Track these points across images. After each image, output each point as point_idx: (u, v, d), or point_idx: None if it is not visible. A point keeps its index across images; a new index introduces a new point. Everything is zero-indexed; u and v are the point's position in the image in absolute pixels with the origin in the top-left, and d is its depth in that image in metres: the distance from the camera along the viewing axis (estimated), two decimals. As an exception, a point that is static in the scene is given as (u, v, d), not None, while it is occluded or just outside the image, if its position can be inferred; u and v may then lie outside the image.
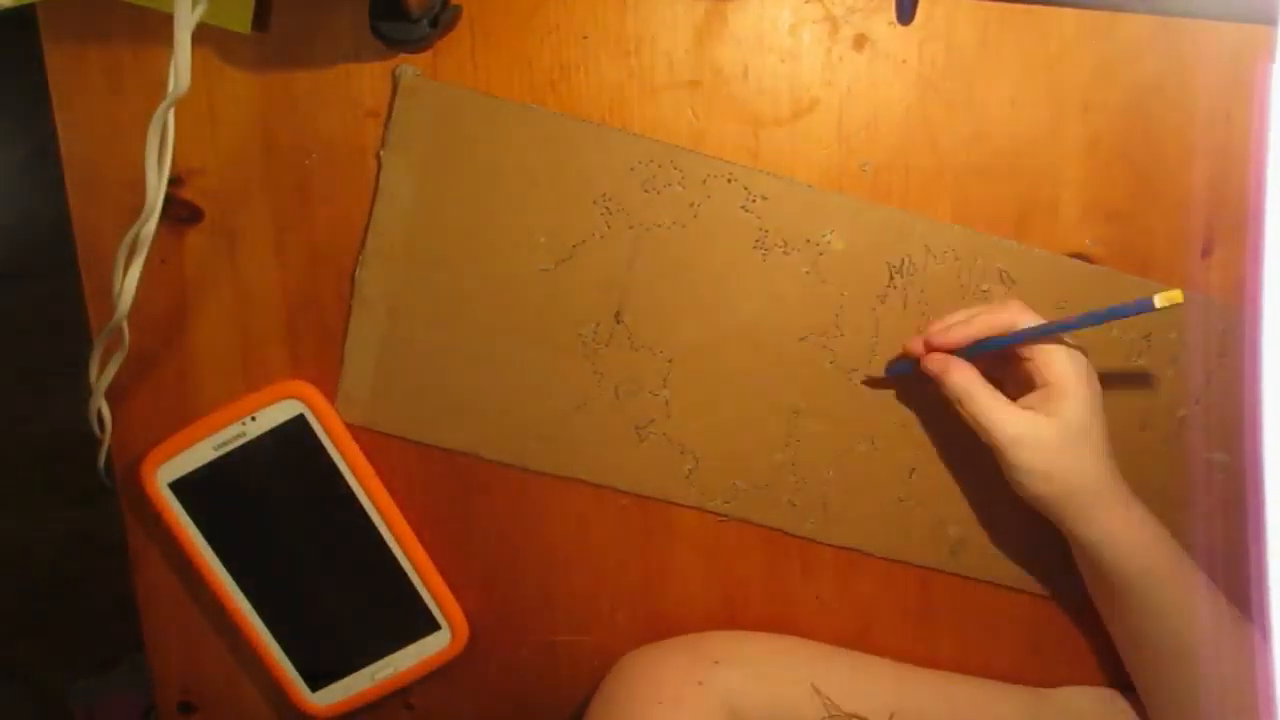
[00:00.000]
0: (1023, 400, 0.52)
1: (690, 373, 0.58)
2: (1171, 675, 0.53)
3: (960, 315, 0.54)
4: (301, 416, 0.57)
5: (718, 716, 0.52)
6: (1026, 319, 0.51)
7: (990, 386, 0.52)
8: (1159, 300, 0.46)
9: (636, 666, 0.58)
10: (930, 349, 0.54)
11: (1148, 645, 0.54)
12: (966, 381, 0.52)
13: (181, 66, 0.44)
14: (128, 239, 0.48)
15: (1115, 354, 0.58)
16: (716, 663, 0.56)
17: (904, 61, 0.55)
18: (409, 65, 0.55)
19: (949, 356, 0.53)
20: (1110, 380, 0.58)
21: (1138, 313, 0.47)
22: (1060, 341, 0.51)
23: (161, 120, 0.46)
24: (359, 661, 0.61)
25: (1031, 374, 0.52)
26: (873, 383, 0.58)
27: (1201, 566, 0.53)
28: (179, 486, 0.58)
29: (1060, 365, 0.51)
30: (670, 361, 0.58)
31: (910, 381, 0.58)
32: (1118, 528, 0.52)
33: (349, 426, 0.58)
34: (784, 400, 0.58)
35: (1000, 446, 0.51)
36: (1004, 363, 0.54)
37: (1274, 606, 0.33)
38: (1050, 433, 0.50)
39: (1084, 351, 0.52)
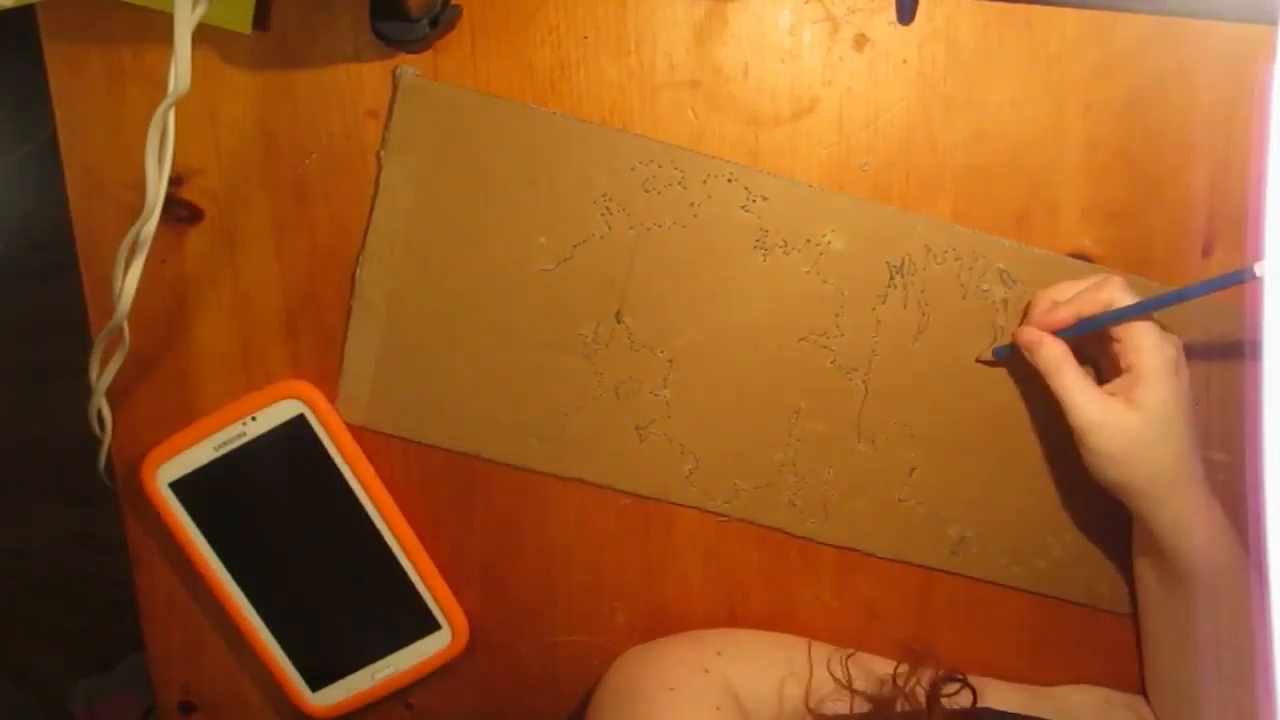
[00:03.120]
0: (1109, 385, 0.52)
1: (690, 373, 0.58)
2: (1217, 672, 0.52)
3: (1065, 290, 0.53)
4: (301, 416, 0.57)
5: (724, 703, 0.52)
6: (1124, 299, 0.51)
7: (1078, 367, 0.52)
8: (1258, 269, 0.44)
9: (640, 659, 0.58)
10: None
11: (1190, 639, 0.54)
12: (1056, 358, 0.52)
13: (181, 66, 0.44)
14: (128, 239, 0.48)
15: (1115, 354, 0.58)
16: (719, 654, 0.56)
17: (904, 61, 0.55)
18: (409, 65, 0.55)
19: (1042, 331, 0.53)
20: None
21: (1236, 283, 0.46)
22: (1152, 326, 0.50)
23: (161, 120, 0.46)
24: (359, 661, 0.61)
25: (1120, 357, 0.51)
26: (984, 363, 0.57)
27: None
28: (179, 486, 0.58)
29: (1148, 352, 0.50)
30: (670, 361, 0.58)
31: (911, 381, 0.58)
32: (1192, 519, 0.51)
33: (349, 426, 0.58)
34: (784, 400, 0.58)
35: (1080, 430, 0.51)
36: (1100, 342, 0.53)
37: (1274, 606, 0.33)
38: (1131, 421, 0.50)
39: (1177, 337, 0.51)
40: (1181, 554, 0.52)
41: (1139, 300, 0.51)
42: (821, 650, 0.59)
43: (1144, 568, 0.57)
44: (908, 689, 0.53)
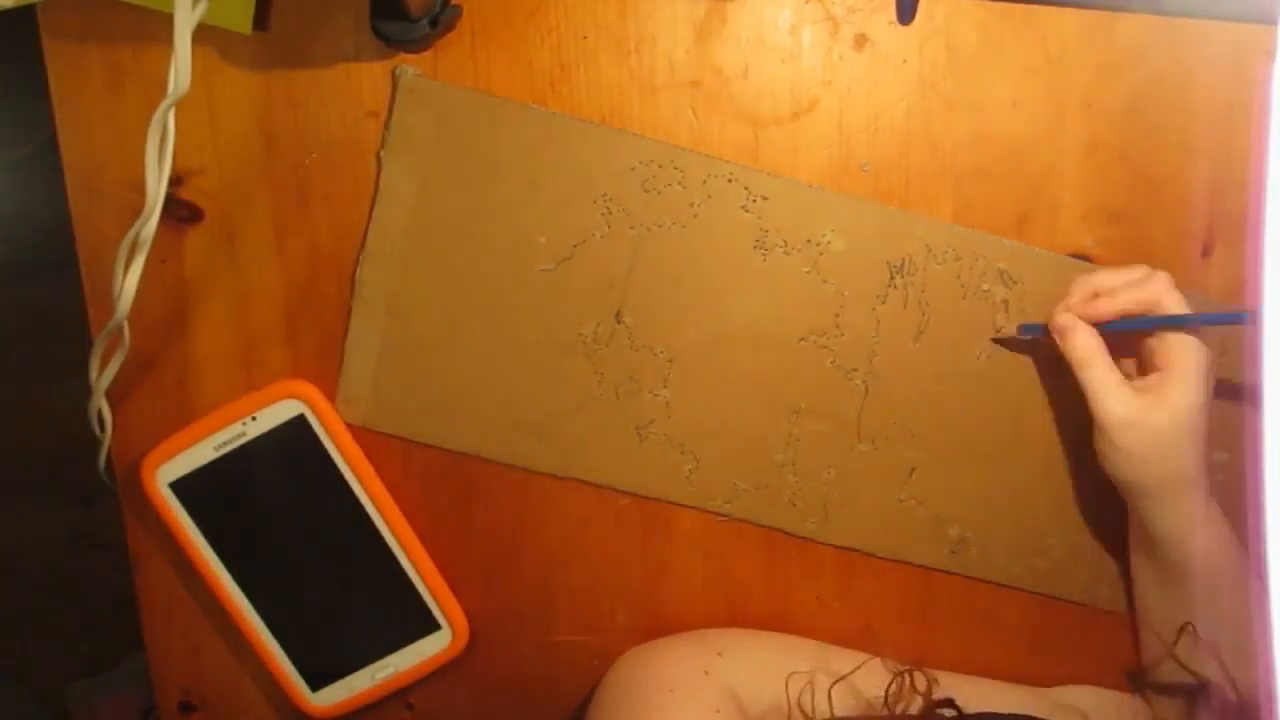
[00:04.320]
0: (1139, 382, 0.51)
1: (690, 373, 0.58)
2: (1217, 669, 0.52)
3: (1107, 280, 0.52)
4: (301, 416, 0.57)
5: (724, 705, 0.52)
6: (1171, 300, 0.50)
7: (1110, 360, 0.51)
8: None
9: (640, 659, 0.58)
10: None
11: (1186, 640, 0.54)
12: (1088, 349, 0.51)
13: (181, 66, 0.44)
14: (128, 239, 0.48)
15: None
16: (720, 654, 0.56)
17: (904, 61, 0.55)
18: (409, 65, 0.55)
19: (1077, 319, 0.52)
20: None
21: None
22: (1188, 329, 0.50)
23: (161, 120, 0.46)
24: (359, 661, 0.61)
25: (1153, 354, 0.51)
26: (1003, 342, 0.57)
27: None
28: (179, 486, 0.58)
29: (1182, 354, 0.50)
30: (670, 361, 0.58)
31: (911, 381, 0.58)
32: (1193, 523, 0.51)
33: (349, 426, 0.58)
34: (784, 400, 0.58)
35: (1105, 424, 0.50)
36: (1132, 335, 0.53)
37: (1274, 606, 0.33)
38: (1158, 421, 0.49)
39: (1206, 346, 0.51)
40: (1181, 554, 0.52)
41: (1189, 312, 0.50)
42: (822, 650, 0.59)
43: (1142, 566, 0.57)
44: (900, 712, 0.53)
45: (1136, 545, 0.57)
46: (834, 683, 0.54)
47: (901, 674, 0.54)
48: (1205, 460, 0.51)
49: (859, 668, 0.55)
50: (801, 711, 0.53)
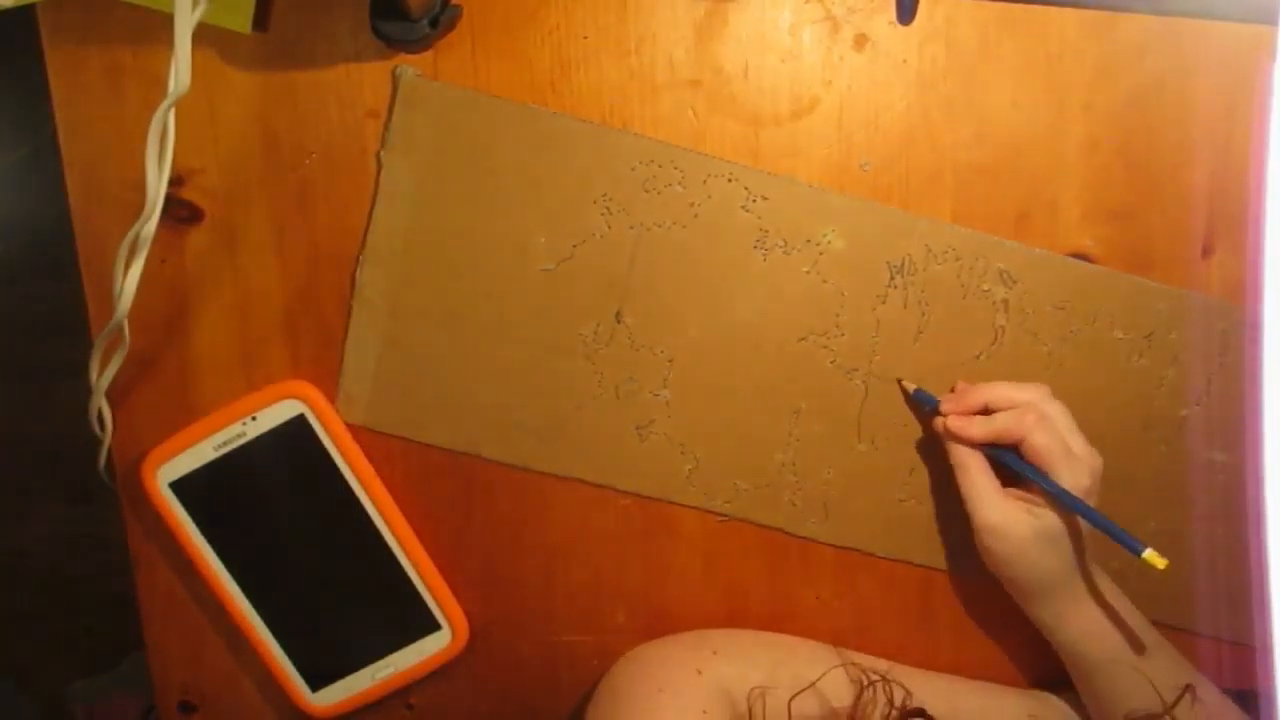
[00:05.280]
0: (1014, 491, 0.54)
1: (691, 373, 0.58)
2: None
3: (993, 395, 0.54)
4: (301, 416, 0.57)
5: (716, 704, 0.53)
6: (1041, 436, 0.52)
7: (986, 469, 0.54)
8: (1147, 555, 0.48)
9: (637, 660, 0.58)
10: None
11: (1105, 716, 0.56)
12: (963, 457, 0.54)
13: (181, 66, 0.44)
14: (128, 239, 0.48)
15: (1117, 354, 0.58)
16: (715, 653, 0.56)
17: (904, 61, 0.55)
18: (409, 65, 0.55)
19: (961, 426, 0.54)
20: (1112, 381, 0.58)
21: (1127, 547, 0.49)
22: (1070, 455, 0.52)
23: (161, 120, 0.46)
24: (359, 661, 0.61)
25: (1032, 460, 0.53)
26: (900, 390, 0.58)
27: (1201, 567, 0.53)
28: (179, 486, 0.58)
29: (1059, 479, 0.52)
30: (671, 361, 0.58)
31: (912, 380, 0.58)
32: (1073, 620, 0.54)
33: (349, 426, 0.58)
34: (784, 400, 0.58)
35: (977, 528, 0.54)
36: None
37: (1274, 606, 0.33)
38: (1023, 530, 0.52)
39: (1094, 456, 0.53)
40: (1057, 643, 0.56)
41: (1057, 485, 0.51)
42: (819, 648, 0.59)
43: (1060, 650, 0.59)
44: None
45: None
46: (797, 692, 0.54)
47: (873, 683, 0.55)
48: (1081, 563, 0.54)
49: (824, 674, 0.56)
50: (789, 713, 0.53)
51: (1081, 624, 0.55)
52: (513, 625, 0.62)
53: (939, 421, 0.55)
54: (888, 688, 0.54)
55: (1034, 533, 0.52)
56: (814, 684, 0.55)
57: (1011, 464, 0.53)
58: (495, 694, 0.63)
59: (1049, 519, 0.52)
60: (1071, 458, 0.52)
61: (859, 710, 0.53)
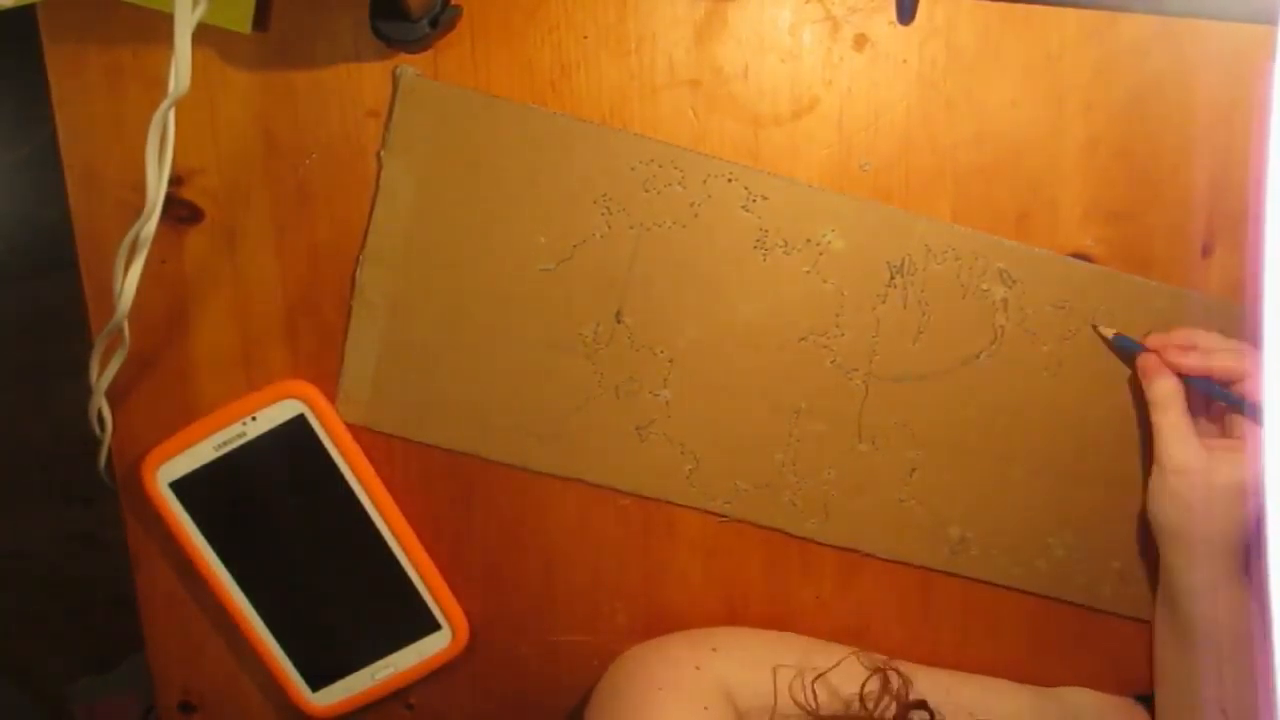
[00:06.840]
0: (1210, 440, 0.53)
1: (691, 373, 0.58)
2: None
3: (1207, 339, 0.54)
4: (301, 416, 0.57)
5: (714, 700, 0.53)
6: (1257, 380, 0.51)
7: (1185, 410, 0.53)
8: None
9: (636, 658, 0.58)
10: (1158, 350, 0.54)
11: (1194, 695, 0.54)
12: (1166, 394, 0.53)
13: (181, 66, 0.44)
14: (128, 239, 0.49)
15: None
16: (714, 650, 0.56)
17: (904, 61, 0.55)
18: (409, 65, 0.55)
19: (1177, 355, 0.53)
20: (1112, 380, 0.58)
21: None
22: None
23: (162, 120, 0.46)
24: (359, 661, 0.61)
25: (1235, 425, 0.52)
26: (1098, 339, 0.57)
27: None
28: (179, 486, 0.58)
29: (1258, 439, 0.50)
30: (671, 361, 0.58)
31: (912, 380, 0.58)
32: (1212, 587, 0.52)
33: (349, 426, 0.58)
34: (784, 400, 0.58)
35: (1164, 466, 0.52)
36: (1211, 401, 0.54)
37: (1274, 605, 0.33)
38: (1214, 479, 0.51)
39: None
40: (1196, 614, 0.54)
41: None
42: (819, 646, 0.59)
43: (1162, 619, 0.58)
44: (877, 713, 0.53)
45: (1161, 598, 0.58)
46: (816, 676, 0.54)
47: (880, 671, 0.54)
48: (1244, 543, 0.52)
49: (839, 662, 0.56)
50: (792, 699, 0.53)
51: (1229, 603, 0.52)
52: (513, 625, 0.62)
53: (1146, 357, 0.54)
54: (887, 678, 0.54)
55: (1227, 481, 0.51)
56: (823, 674, 0.54)
57: (1222, 397, 0.52)
58: (495, 694, 0.63)
59: (1243, 473, 0.50)
60: None
61: (861, 703, 0.53)
